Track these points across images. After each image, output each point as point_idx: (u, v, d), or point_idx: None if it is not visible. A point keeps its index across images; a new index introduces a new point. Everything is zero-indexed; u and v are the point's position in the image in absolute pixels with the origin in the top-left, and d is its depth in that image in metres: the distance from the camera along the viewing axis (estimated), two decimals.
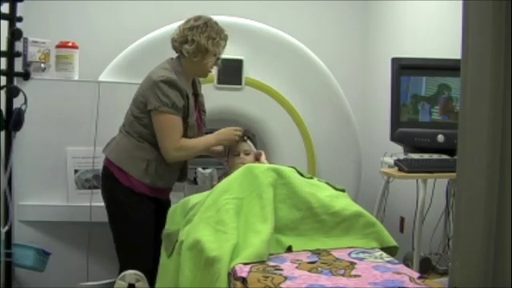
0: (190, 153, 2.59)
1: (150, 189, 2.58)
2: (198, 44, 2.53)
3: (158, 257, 2.41)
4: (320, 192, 2.35)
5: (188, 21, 2.61)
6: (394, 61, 2.97)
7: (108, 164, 2.62)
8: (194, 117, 2.59)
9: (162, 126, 2.48)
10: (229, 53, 3.27)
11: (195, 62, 2.57)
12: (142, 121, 2.54)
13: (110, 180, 2.60)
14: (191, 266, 2.04)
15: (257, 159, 2.81)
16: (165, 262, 2.31)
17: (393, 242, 2.25)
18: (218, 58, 2.66)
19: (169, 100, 2.46)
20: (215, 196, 2.29)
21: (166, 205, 2.72)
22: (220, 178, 3.19)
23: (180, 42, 2.57)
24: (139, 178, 2.54)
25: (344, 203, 2.33)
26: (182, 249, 2.12)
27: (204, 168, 3.41)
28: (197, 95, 2.74)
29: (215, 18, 3.37)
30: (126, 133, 2.59)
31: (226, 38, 2.63)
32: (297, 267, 1.95)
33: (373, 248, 2.21)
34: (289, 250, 2.17)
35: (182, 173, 2.80)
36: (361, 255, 2.11)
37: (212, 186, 3.10)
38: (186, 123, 2.54)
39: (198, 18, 2.61)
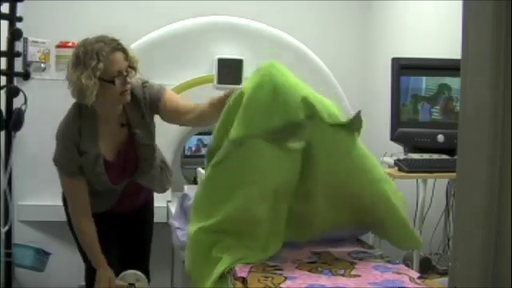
0: (77, 235, 2.31)
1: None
2: (74, 82, 2.10)
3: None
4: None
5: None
6: (394, 61, 2.97)
7: None
8: (96, 168, 2.21)
9: (62, 186, 2.28)
10: (229, 53, 3.28)
11: (98, 101, 2.13)
12: None
13: (62, 196, 2.47)
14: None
15: None
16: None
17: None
18: (132, 68, 2.16)
19: (58, 159, 2.20)
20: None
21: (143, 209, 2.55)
22: None
23: (68, 84, 2.16)
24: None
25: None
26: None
27: (204, 168, 3.41)
28: (129, 126, 2.27)
29: (214, 18, 3.40)
30: None
31: (115, 50, 2.12)
32: (297, 267, 1.95)
33: (371, 248, 2.21)
34: None
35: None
36: (361, 255, 2.11)
37: None
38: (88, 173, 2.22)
39: (74, 51, 2.15)
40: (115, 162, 2.28)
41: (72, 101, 2.28)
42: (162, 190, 2.53)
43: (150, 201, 2.59)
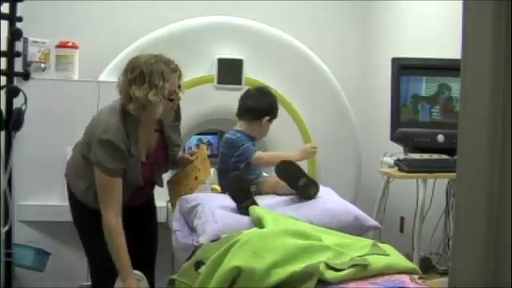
0: (106, 234, 2.28)
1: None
2: (140, 100, 2.22)
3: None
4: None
5: (125, 71, 2.28)
6: (394, 61, 2.97)
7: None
8: (136, 170, 2.33)
9: (100, 186, 2.30)
10: (229, 53, 3.28)
11: (146, 114, 2.29)
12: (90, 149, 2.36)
13: (68, 191, 2.53)
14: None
15: None
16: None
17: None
18: (179, 88, 2.34)
19: (104, 162, 2.24)
20: None
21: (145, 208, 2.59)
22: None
23: (125, 100, 2.28)
24: (80, 197, 2.43)
25: None
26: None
27: None
28: (162, 132, 2.46)
29: (214, 18, 3.39)
30: (80, 148, 2.44)
31: (173, 72, 2.29)
32: None
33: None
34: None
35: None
36: None
37: (212, 188, 3.11)
38: (125, 177, 2.31)
39: (132, 68, 2.25)
40: (146, 163, 2.40)
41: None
42: (161, 184, 2.64)
43: (151, 197, 2.66)
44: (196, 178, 2.63)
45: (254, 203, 2.44)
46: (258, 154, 2.77)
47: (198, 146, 2.89)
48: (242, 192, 2.47)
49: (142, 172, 2.37)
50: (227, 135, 2.87)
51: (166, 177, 2.72)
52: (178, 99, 2.36)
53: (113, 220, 2.26)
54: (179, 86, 2.34)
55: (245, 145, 2.76)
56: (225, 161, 2.82)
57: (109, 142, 2.23)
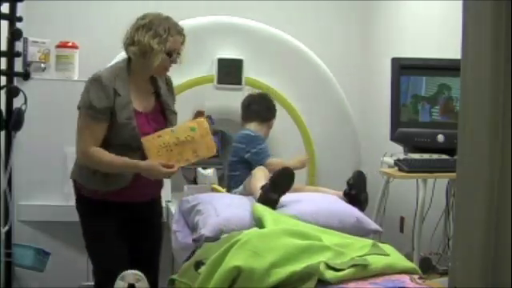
0: (94, 163, 2.34)
1: (106, 194, 2.39)
2: (143, 44, 2.37)
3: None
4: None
5: (136, 20, 2.46)
6: (394, 61, 2.97)
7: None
8: (127, 113, 2.34)
9: (78, 127, 2.37)
10: (229, 53, 3.28)
11: (144, 62, 2.40)
12: None
13: (75, 191, 2.50)
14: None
15: None
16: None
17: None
18: (178, 53, 2.45)
19: (88, 99, 2.31)
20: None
21: (151, 207, 2.57)
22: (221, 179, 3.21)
23: (127, 44, 2.43)
24: (89, 185, 2.40)
25: None
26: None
27: (204, 168, 3.41)
28: (158, 94, 2.51)
29: (214, 18, 3.39)
30: None
31: (179, 33, 2.44)
32: None
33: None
34: None
35: None
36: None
37: (212, 188, 3.12)
38: (112, 122, 2.33)
39: (144, 17, 2.45)
40: (142, 113, 2.43)
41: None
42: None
43: (159, 197, 2.61)
44: (194, 152, 2.43)
45: (277, 201, 2.45)
46: (270, 160, 2.89)
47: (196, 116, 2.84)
48: (284, 182, 2.50)
49: (139, 120, 2.37)
50: (245, 131, 2.97)
51: None
52: (176, 62, 2.45)
53: (89, 150, 2.31)
54: (178, 53, 2.45)
55: (263, 145, 2.92)
56: (238, 154, 2.93)
57: (95, 79, 2.33)
